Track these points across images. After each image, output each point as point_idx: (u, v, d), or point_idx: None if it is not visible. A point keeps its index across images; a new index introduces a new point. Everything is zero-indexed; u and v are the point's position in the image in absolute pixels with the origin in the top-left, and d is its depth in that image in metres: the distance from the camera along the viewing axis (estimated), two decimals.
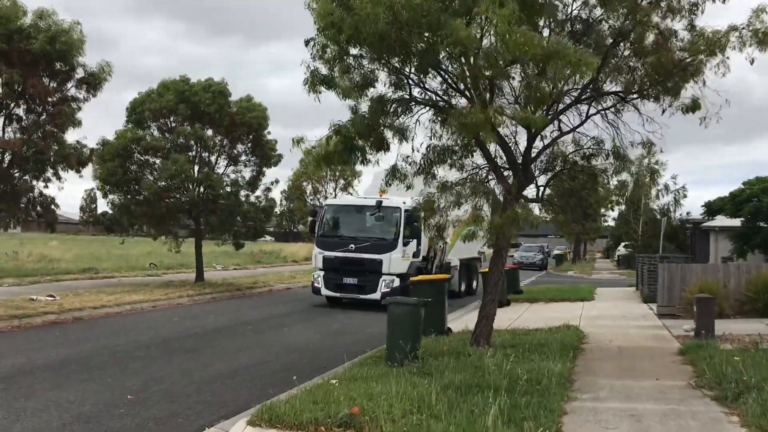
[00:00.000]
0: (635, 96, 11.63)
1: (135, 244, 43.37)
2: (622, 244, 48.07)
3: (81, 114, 16.59)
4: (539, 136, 12.16)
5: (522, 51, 7.87)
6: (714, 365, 9.08)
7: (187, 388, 9.18)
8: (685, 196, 38.29)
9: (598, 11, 11.20)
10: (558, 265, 52.71)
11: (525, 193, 12.33)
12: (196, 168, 24.36)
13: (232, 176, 24.67)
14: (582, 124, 11.98)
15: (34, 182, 16.15)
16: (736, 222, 31.92)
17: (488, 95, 10.07)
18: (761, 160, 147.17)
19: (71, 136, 16.66)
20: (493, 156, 11.77)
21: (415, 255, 19.85)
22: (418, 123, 10.85)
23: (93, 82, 16.13)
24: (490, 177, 11.46)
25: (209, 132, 24.73)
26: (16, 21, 14.57)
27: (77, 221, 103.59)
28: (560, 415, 7.20)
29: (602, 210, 56.14)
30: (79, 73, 16.12)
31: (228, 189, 23.77)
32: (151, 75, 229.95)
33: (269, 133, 24.47)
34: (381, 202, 18.85)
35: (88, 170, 21.26)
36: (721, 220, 35.65)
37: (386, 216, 19.30)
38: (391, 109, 10.95)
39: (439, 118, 10.56)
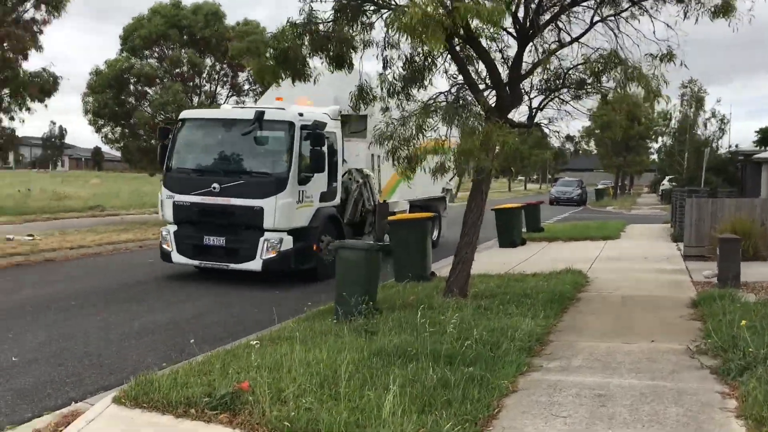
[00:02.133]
0: None
1: None
2: (667, 177, 45.21)
3: (44, 37, 15.23)
4: (534, 51, 10.30)
5: None
6: (723, 325, 7.32)
7: (91, 346, 7.90)
8: (727, 121, 35.26)
9: None
10: (598, 201, 50.20)
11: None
12: (196, 99, 23.00)
13: None
14: (584, 34, 9.97)
15: None
16: None
17: None
18: None
19: (36, 62, 15.30)
20: (477, 72, 10.00)
21: (327, 197, 13.02)
22: (367, 29, 8.99)
23: (53, 2, 14.59)
24: (462, 95, 9.59)
25: (208, 60, 23.24)
26: None
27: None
28: (503, 395, 5.61)
29: (647, 142, 53.18)
30: None
31: None
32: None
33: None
34: (263, 113, 12.02)
35: (75, 102, 20.12)
36: None
37: (271, 136, 12.39)
38: (349, 16, 9.18)
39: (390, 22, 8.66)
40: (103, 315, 9.54)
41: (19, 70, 14.33)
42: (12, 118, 15.39)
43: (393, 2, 9.23)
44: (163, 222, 13.25)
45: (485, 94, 9.82)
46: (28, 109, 15.47)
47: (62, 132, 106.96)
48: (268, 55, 8.87)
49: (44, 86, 14.93)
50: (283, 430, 4.89)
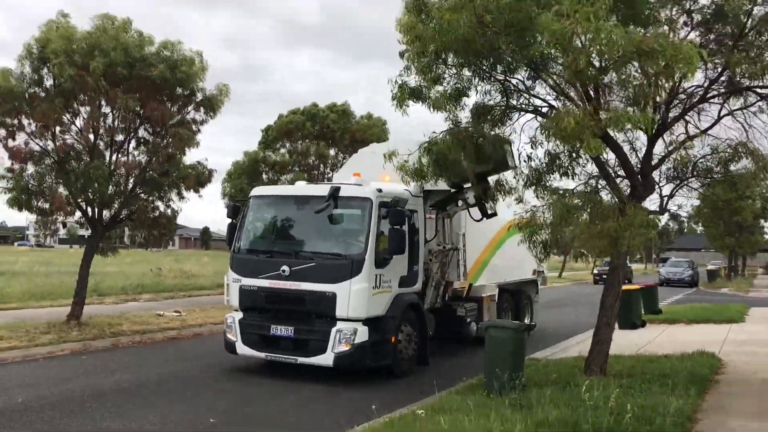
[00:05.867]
0: None
1: None
2: None
3: (201, 135, 17.06)
4: (662, 140, 10.98)
5: (611, 48, 6.99)
6: None
7: (272, 410, 8.92)
8: None
9: None
10: (710, 282, 48.47)
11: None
12: None
13: None
14: (712, 126, 10.60)
15: (158, 203, 16.78)
16: None
17: (594, 95, 9.11)
18: None
19: (192, 156, 17.21)
20: (606, 163, 10.74)
21: (407, 281, 11.73)
22: (514, 131, 10.04)
23: (211, 105, 16.45)
24: (600, 187, 10.34)
25: (332, 151, 25.27)
26: (140, 51, 15.17)
27: None
28: None
29: (762, 222, 51.27)
30: (198, 97, 16.49)
31: None
32: (300, 99, 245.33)
33: None
34: (338, 189, 11.10)
35: (216, 191, 22.14)
36: None
37: (346, 214, 11.46)
38: (491, 118, 10.26)
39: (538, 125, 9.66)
40: (267, 386, 10.57)
41: (180, 164, 16.12)
42: (168, 206, 17.11)
43: (531, 105, 10.28)
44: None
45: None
46: (183, 197, 17.16)
47: (174, 213, 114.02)
48: (425, 160, 10.01)
49: (200, 178, 16.69)
50: None
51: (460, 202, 13.05)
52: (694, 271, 47.72)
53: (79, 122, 15.58)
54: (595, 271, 46.63)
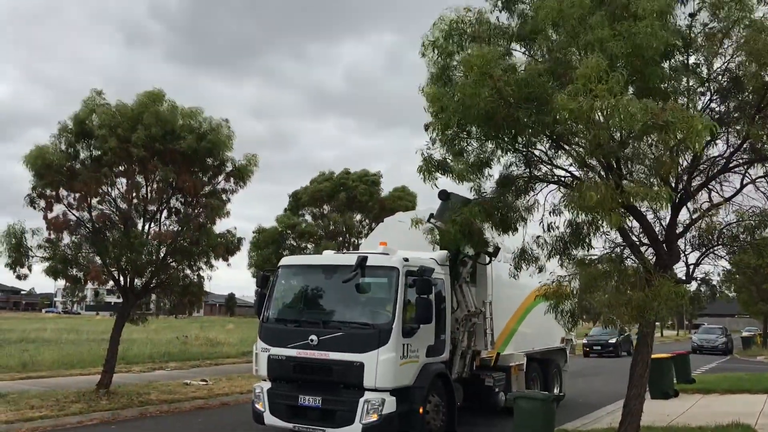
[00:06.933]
0: None
1: None
2: None
3: (232, 205, 17.44)
4: (685, 208, 11.07)
5: (629, 122, 7.22)
6: None
7: None
8: None
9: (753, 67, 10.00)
10: (745, 349, 47.20)
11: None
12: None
13: None
14: (734, 195, 10.69)
15: (187, 271, 17.06)
16: None
17: (616, 167, 9.30)
18: None
19: (222, 225, 17.50)
20: (631, 230, 10.83)
21: (434, 351, 11.66)
22: (537, 202, 10.23)
23: (240, 175, 16.86)
24: (626, 256, 10.41)
25: (357, 217, 25.55)
26: (174, 123, 15.70)
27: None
28: None
29: None
30: (228, 167, 16.92)
31: None
32: (326, 165, 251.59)
33: None
34: (365, 258, 11.14)
35: (242, 258, 22.39)
36: None
37: (374, 283, 11.57)
38: (515, 188, 10.49)
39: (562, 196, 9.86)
40: None
41: (211, 234, 16.46)
42: (197, 274, 17.38)
43: (554, 176, 10.49)
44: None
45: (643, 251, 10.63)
46: (211, 266, 17.44)
47: (201, 280, 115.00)
48: (452, 229, 10.23)
49: (229, 246, 16.99)
50: None
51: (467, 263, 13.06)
52: (727, 338, 46.55)
53: (114, 193, 16.11)
54: (585, 341, 38.37)
